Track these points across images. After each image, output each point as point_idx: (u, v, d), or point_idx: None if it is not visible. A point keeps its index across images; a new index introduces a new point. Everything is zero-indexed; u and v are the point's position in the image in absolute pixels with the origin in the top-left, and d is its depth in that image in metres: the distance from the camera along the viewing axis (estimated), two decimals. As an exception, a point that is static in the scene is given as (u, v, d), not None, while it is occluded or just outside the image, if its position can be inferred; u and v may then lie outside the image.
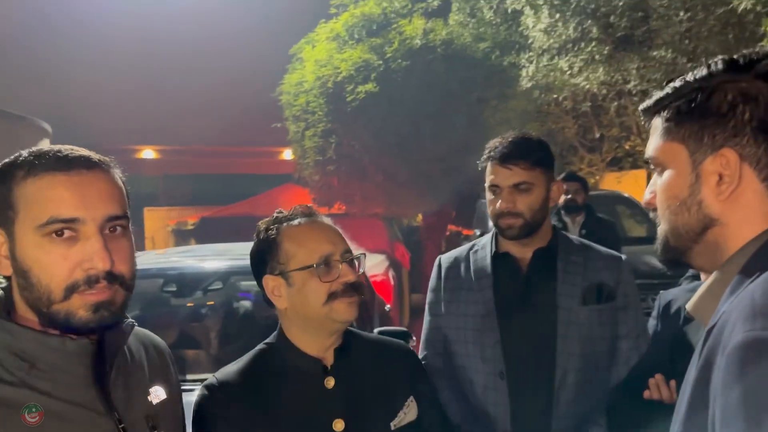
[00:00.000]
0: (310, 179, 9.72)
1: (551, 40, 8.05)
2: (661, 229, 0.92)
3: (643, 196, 0.98)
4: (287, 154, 15.71)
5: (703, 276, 1.59)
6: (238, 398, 1.28)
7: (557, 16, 7.86)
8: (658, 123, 0.91)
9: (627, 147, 10.26)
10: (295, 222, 1.32)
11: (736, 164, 0.82)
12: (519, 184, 1.69)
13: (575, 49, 8.00)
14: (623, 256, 1.82)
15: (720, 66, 0.84)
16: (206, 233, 13.21)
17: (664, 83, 0.92)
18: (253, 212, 14.14)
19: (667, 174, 0.90)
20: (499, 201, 1.71)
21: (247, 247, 4.47)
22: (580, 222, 4.32)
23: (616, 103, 9.55)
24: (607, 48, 7.96)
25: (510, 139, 1.74)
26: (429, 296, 1.89)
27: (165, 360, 1.19)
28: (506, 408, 1.69)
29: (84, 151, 1.00)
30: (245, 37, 13.70)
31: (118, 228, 1.00)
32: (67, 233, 0.94)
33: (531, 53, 8.32)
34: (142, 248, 7.93)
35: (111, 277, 0.96)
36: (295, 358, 1.32)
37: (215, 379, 1.31)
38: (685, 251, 0.90)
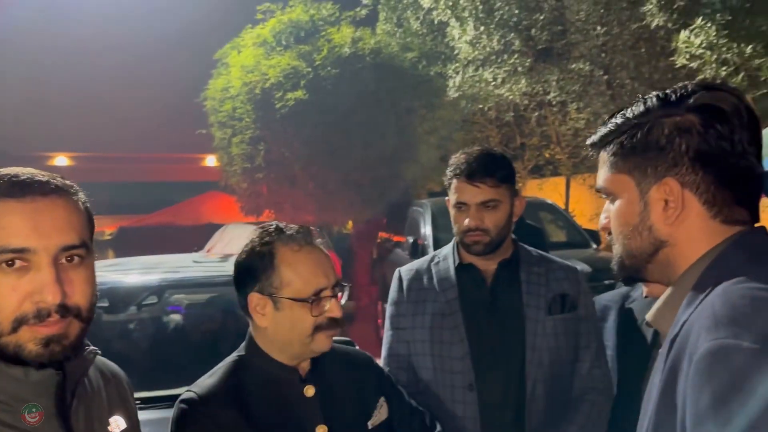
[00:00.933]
0: (237, 187, 9.51)
1: (476, 52, 8.29)
2: (617, 251, 1.00)
3: (599, 222, 1.05)
4: (210, 161, 15.32)
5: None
6: (219, 411, 1.25)
7: (482, 28, 8.11)
8: (604, 156, 0.98)
9: (547, 155, 10.70)
10: (295, 246, 1.30)
11: (679, 191, 0.90)
12: (487, 201, 1.71)
13: (499, 60, 8.28)
14: (579, 267, 1.87)
15: (655, 102, 0.92)
16: (125, 243, 12.66)
17: (607, 118, 1.00)
18: (176, 221, 13.70)
19: (618, 203, 0.97)
20: (467, 218, 1.72)
21: (179, 259, 4.30)
22: (514, 237, 4.44)
23: (537, 114, 9.95)
24: (528, 60, 8.28)
25: (476, 156, 1.74)
26: (390, 310, 1.87)
27: (124, 389, 1.14)
28: (476, 421, 1.69)
29: (43, 176, 0.95)
30: (168, 41, 13.27)
31: (75, 258, 0.95)
32: (18, 263, 0.90)
33: (457, 64, 8.53)
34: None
35: (64, 309, 0.91)
36: (271, 368, 1.31)
37: (194, 393, 1.27)
38: (640, 269, 0.98)
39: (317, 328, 1.28)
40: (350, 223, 10.01)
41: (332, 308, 1.29)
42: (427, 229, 6.66)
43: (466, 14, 8.13)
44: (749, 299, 0.77)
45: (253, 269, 1.30)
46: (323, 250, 1.35)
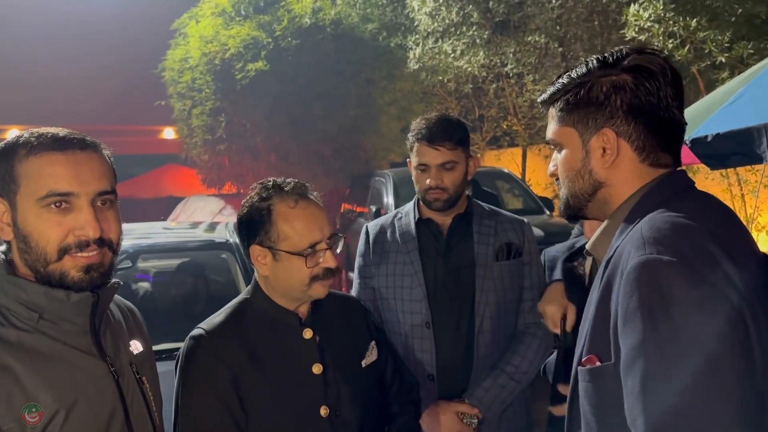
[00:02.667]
0: (198, 159, 9.49)
1: (435, 24, 8.39)
2: (563, 193, 1.17)
3: (548, 169, 1.22)
4: (168, 133, 15.08)
5: (586, 231, 1.89)
6: (226, 345, 1.39)
7: (441, 0, 8.20)
8: (552, 112, 1.16)
9: (504, 126, 10.93)
10: (291, 202, 1.41)
11: (614, 140, 1.07)
12: (445, 163, 1.90)
13: (458, 33, 8.41)
14: (526, 220, 2.10)
15: (595, 64, 1.09)
16: (83, 218, 12.44)
17: (555, 79, 1.16)
18: (135, 194, 13.52)
19: (564, 152, 1.14)
20: (428, 178, 1.91)
21: (149, 226, 4.38)
22: (468, 193, 4.68)
23: (494, 85, 10.15)
24: (486, 32, 8.43)
25: (435, 121, 1.92)
26: (358, 261, 2.08)
27: (138, 320, 1.32)
28: (431, 353, 1.93)
29: (78, 134, 1.13)
30: (124, 11, 12.92)
31: (107, 201, 1.13)
32: (63, 205, 1.07)
33: (417, 36, 8.62)
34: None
35: (100, 242, 1.10)
36: (273, 311, 1.46)
37: (202, 330, 1.42)
38: (582, 208, 1.15)
39: (314, 278, 1.41)
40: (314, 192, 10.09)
41: (327, 259, 1.41)
42: (389, 199, 6.83)
43: (425, -14, 8.21)
44: (670, 224, 0.96)
45: (253, 224, 1.42)
46: (318, 204, 1.47)
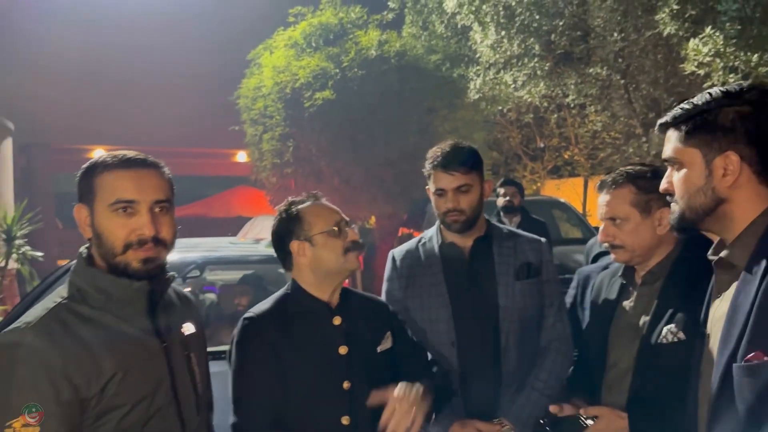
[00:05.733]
0: (267, 181, 9.98)
1: (497, 55, 8.59)
2: (678, 208, 1.34)
3: (661, 185, 1.39)
4: (241, 157, 15.84)
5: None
6: (270, 327, 1.72)
7: (503, 33, 8.41)
8: (672, 134, 1.33)
9: (566, 156, 10.95)
10: (309, 203, 1.79)
11: (737, 162, 1.25)
12: (461, 186, 2.06)
13: (519, 64, 8.57)
14: (543, 240, 2.23)
15: (719, 94, 1.27)
16: (159, 234, 13.21)
17: (676, 105, 1.33)
18: (207, 213, 14.28)
19: (685, 170, 1.31)
20: (445, 202, 2.07)
21: (216, 241, 4.81)
22: (516, 222, 4.83)
23: (556, 116, 10.22)
24: (548, 64, 8.55)
25: (448, 149, 2.09)
26: (385, 285, 2.23)
27: (192, 307, 1.60)
28: (457, 371, 2.06)
29: (142, 155, 1.44)
30: (204, 42, 13.81)
31: (163, 208, 1.42)
32: (127, 210, 1.37)
33: (478, 67, 8.84)
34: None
35: (156, 240, 1.38)
36: (308, 302, 1.77)
37: (252, 314, 1.75)
38: (698, 221, 1.32)
39: (346, 250, 1.74)
40: (373, 218, 10.40)
41: (351, 234, 1.77)
42: (444, 224, 7.01)
43: (488, 19, 8.44)
44: None
45: (287, 227, 1.77)
46: (327, 203, 1.83)
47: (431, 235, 2.23)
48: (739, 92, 1.24)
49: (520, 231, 2.28)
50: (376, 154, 8.75)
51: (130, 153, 1.43)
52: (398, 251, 2.26)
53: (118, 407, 1.30)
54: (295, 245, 1.76)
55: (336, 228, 1.74)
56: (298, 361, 1.70)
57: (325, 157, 8.95)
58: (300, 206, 1.79)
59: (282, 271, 3.98)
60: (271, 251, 4.23)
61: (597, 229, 6.89)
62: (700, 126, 1.26)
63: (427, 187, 2.17)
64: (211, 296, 4.45)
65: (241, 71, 10.28)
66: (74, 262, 1.42)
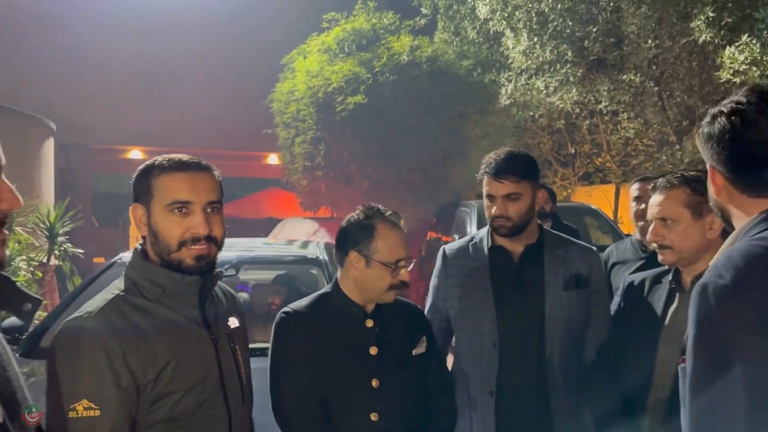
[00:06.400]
0: (298, 184, 10.13)
1: (529, 61, 8.59)
2: None
3: None
4: (272, 159, 16.06)
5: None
6: (306, 323, 1.81)
7: (535, 39, 8.41)
8: None
9: (597, 163, 10.86)
10: (389, 224, 1.83)
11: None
12: (510, 194, 2.06)
13: (551, 70, 8.56)
14: (595, 249, 2.23)
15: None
16: (192, 233, 13.46)
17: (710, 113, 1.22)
18: (240, 214, 14.48)
19: None
20: (494, 207, 2.10)
21: (251, 242, 4.93)
22: (548, 227, 4.83)
23: (588, 122, 10.16)
24: (580, 70, 8.52)
25: (502, 156, 2.09)
26: (433, 281, 2.28)
27: (236, 301, 1.69)
28: (495, 372, 2.09)
29: (196, 158, 1.52)
30: (239, 47, 14.07)
31: (214, 209, 1.51)
32: (183, 210, 1.46)
33: (510, 72, 8.85)
34: (126, 248, 8.31)
35: (208, 238, 1.46)
36: (345, 304, 1.87)
37: (290, 309, 1.86)
38: None
39: (391, 287, 1.82)
40: (402, 221, 10.45)
41: (404, 274, 1.83)
42: (472, 228, 7.06)
43: (520, 25, 8.44)
44: None
45: (356, 235, 1.83)
46: (404, 231, 1.87)
47: (482, 236, 2.24)
48: None
49: (572, 239, 2.26)
50: (406, 159, 8.83)
51: (185, 156, 1.52)
52: (449, 248, 2.30)
53: (171, 394, 1.39)
54: (353, 256, 1.82)
55: (395, 265, 1.79)
56: (332, 357, 1.79)
57: (355, 161, 9.06)
58: (379, 223, 1.82)
59: (314, 272, 4.08)
60: (304, 252, 4.35)
61: (628, 236, 6.82)
62: None
63: (483, 193, 2.18)
64: (244, 295, 4.56)
65: (275, 76, 10.47)
66: (111, 262, 1.51)
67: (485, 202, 2.15)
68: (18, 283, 1.17)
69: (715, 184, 1.20)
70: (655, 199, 1.96)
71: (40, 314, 4.43)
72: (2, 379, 1.10)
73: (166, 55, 13.77)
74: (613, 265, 3.15)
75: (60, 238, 6.68)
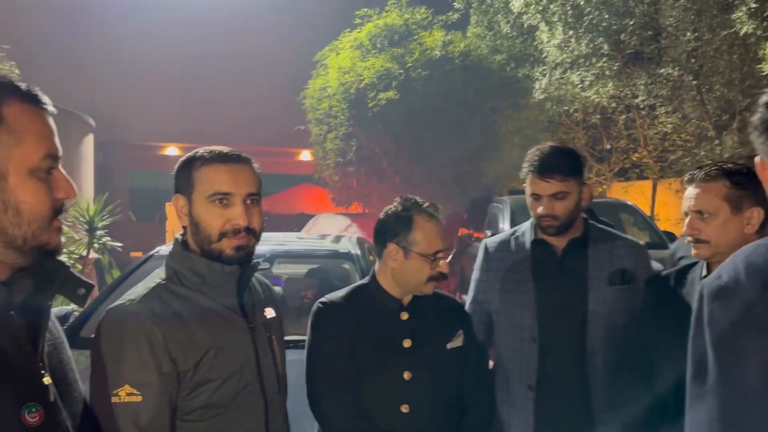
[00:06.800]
0: (330, 180, 10.19)
1: (564, 55, 8.48)
2: None
3: None
4: (304, 156, 16.20)
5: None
6: (340, 314, 1.82)
7: (570, 32, 8.30)
8: None
9: (634, 158, 10.65)
10: (427, 216, 1.81)
11: None
12: (556, 193, 1.98)
13: (587, 64, 8.43)
14: (642, 243, 2.15)
15: None
16: (226, 228, 13.67)
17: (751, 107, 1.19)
18: (272, 210, 14.60)
19: None
20: (540, 207, 2.02)
21: (285, 236, 4.93)
22: (585, 216, 4.77)
23: (624, 117, 9.98)
24: (617, 64, 8.38)
25: (546, 154, 1.99)
26: (475, 274, 2.23)
27: (272, 292, 1.71)
28: (535, 367, 2.05)
29: (237, 151, 1.53)
30: (271, 44, 14.23)
31: (254, 200, 1.51)
32: (223, 201, 1.47)
33: (544, 67, 8.74)
34: (163, 243, 8.46)
35: (247, 230, 1.47)
36: (382, 297, 1.86)
37: (327, 299, 1.85)
38: None
39: (430, 278, 1.79)
40: (439, 212, 10.44)
41: (443, 266, 1.80)
42: (505, 225, 6.98)
43: (555, 19, 8.34)
44: None
45: (395, 227, 1.81)
46: (442, 222, 1.84)
47: (525, 229, 2.20)
48: None
49: (619, 233, 2.18)
50: (438, 154, 8.80)
51: (225, 149, 1.52)
52: (491, 241, 2.25)
53: (210, 381, 1.40)
54: (391, 247, 1.80)
55: (434, 256, 1.78)
56: (365, 348, 1.79)
57: (387, 157, 9.07)
58: (417, 215, 1.79)
59: (346, 266, 4.10)
60: (337, 246, 4.37)
61: (666, 233, 6.66)
62: None
63: (524, 185, 2.12)
64: (277, 289, 4.60)
65: (308, 72, 10.54)
66: (148, 255, 1.53)
67: (529, 199, 2.09)
68: (71, 269, 1.20)
69: (765, 178, 1.16)
70: (692, 191, 1.90)
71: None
72: (56, 360, 1.12)
73: (202, 54, 14.01)
74: (680, 259, 3.09)
75: (99, 232, 6.84)
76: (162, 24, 13.74)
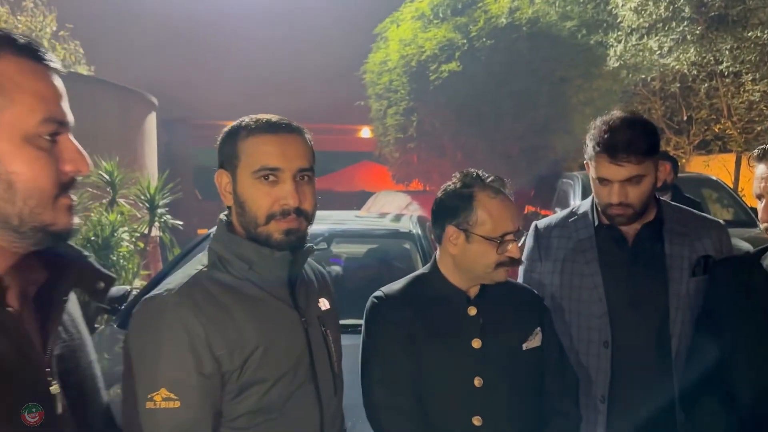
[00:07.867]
0: (390, 156, 9.98)
1: (641, 19, 7.91)
2: None
3: None
4: (365, 133, 16.05)
5: None
6: (396, 309, 1.57)
7: (648, -6, 7.73)
8: None
9: (716, 130, 9.97)
10: (491, 192, 1.53)
11: None
12: (631, 178, 1.69)
13: (666, 28, 7.84)
14: (722, 222, 1.86)
15: None
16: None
17: None
18: (333, 188, 14.61)
19: None
20: (610, 193, 1.71)
21: (343, 215, 4.79)
22: (668, 200, 4.38)
23: (706, 85, 9.30)
24: (699, 28, 7.76)
25: (618, 131, 1.68)
26: (524, 264, 1.91)
27: (327, 282, 1.50)
28: (607, 374, 1.78)
29: (287, 120, 1.31)
30: (330, 17, 14.08)
31: (306, 177, 1.30)
32: (271, 177, 1.26)
33: (619, 32, 8.20)
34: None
35: (298, 211, 1.26)
36: (445, 288, 1.60)
37: (382, 293, 1.62)
38: None
39: (499, 264, 1.51)
40: (507, 188, 10.11)
41: (513, 250, 1.52)
42: (576, 202, 6.60)
43: (631, -20, 7.78)
44: None
45: (454, 207, 1.54)
46: (511, 199, 1.56)
47: (585, 210, 1.88)
48: None
49: (695, 211, 1.87)
50: (502, 128, 8.42)
51: (273, 117, 1.30)
52: (543, 224, 1.95)
53: (259, 382, 1.22)
54: (451, 230, 1.54)
55: (501, 239, 1.49)
56: (429, 349, 1.54)
57: (448, 132, 8.76)
58: (479, 191, 1.52)
59: (407, 246, 3.89)
60: (397, 226, 4.16)
61: (754, 209, 6.16)
62: None
63: (585, 162, 1.80)
64: (337, 268, 4.46)
65: (368, 46, 10.28)
66: (212, 230, 1.35)
67: (594, 184, 1.76)
68: (90, 259, 1.03)
69: None
70: (762, 170, 1.56)
71: (141, 284, 4.52)
72: (71, 365, 0.97)
73: (258, 30, 14.00)
74: None
75: (160, 210, 6.87)
76: (222, 5, 13.82)
